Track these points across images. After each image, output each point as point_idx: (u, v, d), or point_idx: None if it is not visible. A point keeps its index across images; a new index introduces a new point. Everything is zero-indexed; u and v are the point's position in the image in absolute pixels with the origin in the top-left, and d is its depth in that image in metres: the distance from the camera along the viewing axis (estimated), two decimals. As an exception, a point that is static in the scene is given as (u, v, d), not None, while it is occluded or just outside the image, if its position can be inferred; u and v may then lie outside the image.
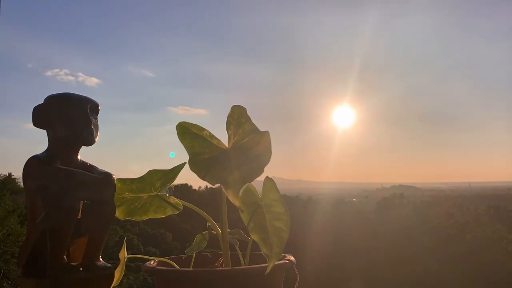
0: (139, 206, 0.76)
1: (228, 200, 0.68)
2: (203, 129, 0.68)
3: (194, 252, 0.76)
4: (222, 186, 0.66)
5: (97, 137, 0.74)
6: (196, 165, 0.65)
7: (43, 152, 0.71)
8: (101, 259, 0.73)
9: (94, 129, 0.73)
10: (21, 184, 0.72)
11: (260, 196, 0.68)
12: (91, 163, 0.75)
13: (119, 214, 0.75)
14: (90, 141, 0.73)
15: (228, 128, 0.68)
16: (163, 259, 0.75)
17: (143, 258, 0.75)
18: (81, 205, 0.69)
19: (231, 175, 0.62)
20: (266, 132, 0.67)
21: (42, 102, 0.73)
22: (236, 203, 0.62)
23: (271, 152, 0.65)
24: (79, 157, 0.74)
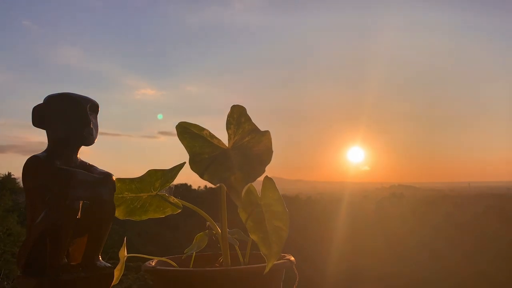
0: (138, 206, 0.76)
1: (227, 200, 0.68)
2: (203, 129, 0.68)
3: (194, 252, 0.76)
4: (222, 186, 0.66)
5: (97, 137, 0.74)
6: (196, 165, 0.65)
7: (42, 152, 0.71)
8: (101, 258, 0.73)
9: (93, 129, 0.73)
10: (21, 184, 0.72)
11: (260, 196, 0.68)
12: (90, 163, 0.75)
13: (118, 213, 0.75)
14: (89, 141, 0.73)
15: (228, 128, 0.68)
16: (162, 258, 0.75)
17: (143, 257, 0.75)
18: (80, 204, 0.69)
19: (233, 175, 0.62)
20: (267, 132, 0.67)
21: (42, 102, 0.73)
22: (239, 203, 0.61)
23: (272, 152, 0.65)
24: (78, 156, 0.74)
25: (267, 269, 0.62)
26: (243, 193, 0.61)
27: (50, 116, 0.71)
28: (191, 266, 0.77)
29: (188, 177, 0.72)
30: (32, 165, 0.68)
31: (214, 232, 0.75)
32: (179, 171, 0.75)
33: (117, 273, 0.74)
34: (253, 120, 0.68)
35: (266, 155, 0.64)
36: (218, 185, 0.65)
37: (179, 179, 0.76)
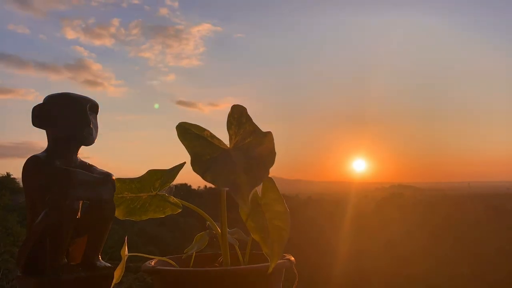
0: (138, 206, 0.76)
1: (227, 200, 0.68)
2: (203, 130, 0.68)
3: (194, 252, 0.76)
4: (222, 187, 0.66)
5: (96, 137, 0.74)
6: (198, 165, 0.64)
7: (42, 152, 0.71)
8: (101, 258, 0.73)
9: (93, 129, 0.73)
10: (21, 184, 0.72)
11: (260, 196, 0.68)
12: (90, 163, 0.75)
13: (118, 213, 0.75)
14: (89, 141, 0.73)
15: (229, 128, 0.67)
16: (162, 258, 0.75)
17: (143, 257, 0.75)
18: (80, 204, 0.69)
19: (239, 178, 0.61)
20: (269, 133, 0.66)
21: (42, 102, 0.73)
22: (246, 207, 0.60)
23: (275, 154, 0.64)
24: (78, 156, 0.74)
25: (270, 269, 0.62)
26: (250, 197, 0.60)
27: (50, 116, 0.71)
28: (191, 266, 0.77)
29: (188, 177, 0.72)
30: (32, 165, 0.68)
31: (214, 232, 0.75)
32: (179, 171, 0.75)
33: (118, 272, 0.74)
34: (254, 120, 0.68)
35: (269, 158, 0.64)
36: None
37: (179, 179, 0.76)
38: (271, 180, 0.68)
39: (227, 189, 0.62)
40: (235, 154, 0.65)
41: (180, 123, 0.68)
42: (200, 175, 0.63)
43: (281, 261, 0.68)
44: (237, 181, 0.61)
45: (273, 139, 0.65)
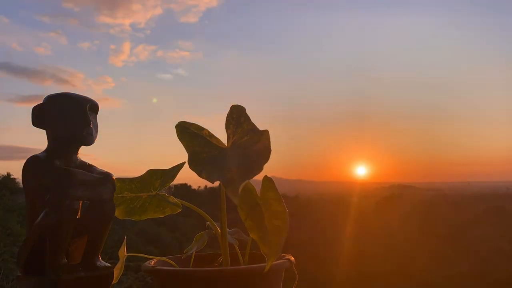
0: (138, 206, 0.76)
1: (227, 200, 0.68)
2: (202, 129, 0.68)
3: (193, 252, 0.76)
4: (221, 185, 0.66)
5: (96, 137, 0.74)
6: (195, 163, 0.65)
7: (42, 152, 0.71)
8: (100, 258, 0.73)
9: (93, 129, 0.73)
10: (21, 184, 0.72)
11: (259, 195, 0.68)
12: (90, 163, 0.75)
13: (118, 213, 0.75)
14: (89, 141, 0.73)
15: (227, 128, 0.68)
16: (162, 258, 0.75)
17: (143, 257, 0.75)
18: (80, 204, 0.69)
19: (229, 173, 0.62)
20: (266, 131, 0.67)
21: (41, 102, 0.73)
22: (236, 201, 0.61)
23: (270, 150, 0.65)
24: (78, 156, 0.74)
25: (267, 268, 0.62)
26: (240, 190, 0.61)
27: (50, 116, 0.71)
28: (190, 266, 0.77)
29: (188, 177, 0.72)
30: (32, 165, 0.68)
31: (214, 232, 0.75)
32: (178, 171, 0.75)
33: (117, 272, 0.74)
34: (253, 120, 0.68)
35: (264, 154, 0.64)
36: (218, 185, 0.65)
37: (179, 179, 0.76)
38: (270, 180, 0.68)
39: (219, 182, 0.62)
40: (232, 152, 0.65)
41: (179, 122, 0.69)
42: (197, 174, 0.63)
43: (281, 261, 0.68)
44: (228, 175, 0.61)
45: (269, 137, 0.66)
